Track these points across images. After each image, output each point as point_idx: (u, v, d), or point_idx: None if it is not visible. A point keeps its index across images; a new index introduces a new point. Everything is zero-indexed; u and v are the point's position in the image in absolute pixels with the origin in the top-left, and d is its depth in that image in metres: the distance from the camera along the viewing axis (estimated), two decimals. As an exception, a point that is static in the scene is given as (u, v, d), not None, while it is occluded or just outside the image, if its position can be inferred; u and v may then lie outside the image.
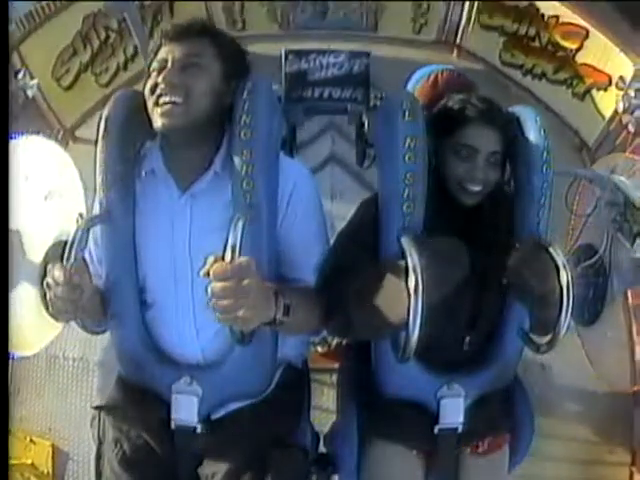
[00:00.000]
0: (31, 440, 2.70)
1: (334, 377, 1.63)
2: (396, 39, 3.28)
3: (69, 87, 2.90)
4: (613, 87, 2.76)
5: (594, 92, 2.91)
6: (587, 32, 2.81)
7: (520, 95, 3.12)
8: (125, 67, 3.07)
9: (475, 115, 1.18)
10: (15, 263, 1.62)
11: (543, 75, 3.11)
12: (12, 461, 2.68)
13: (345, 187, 2.73)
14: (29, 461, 2.70)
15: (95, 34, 2.92)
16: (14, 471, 2.68)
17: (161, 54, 1.12)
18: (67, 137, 2.95)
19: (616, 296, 1.76)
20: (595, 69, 2.87)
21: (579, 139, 3.01)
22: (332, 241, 1.25)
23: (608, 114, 2.81)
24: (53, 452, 2.68)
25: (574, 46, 2.91)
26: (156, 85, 1.09)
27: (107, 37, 2.96)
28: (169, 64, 1.10)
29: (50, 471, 2.68)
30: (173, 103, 1.07)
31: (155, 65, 1.12)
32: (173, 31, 1.13)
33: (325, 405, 1.97)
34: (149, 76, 1.13)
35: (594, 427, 2.61)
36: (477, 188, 1.18)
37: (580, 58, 2.92)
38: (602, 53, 2.81)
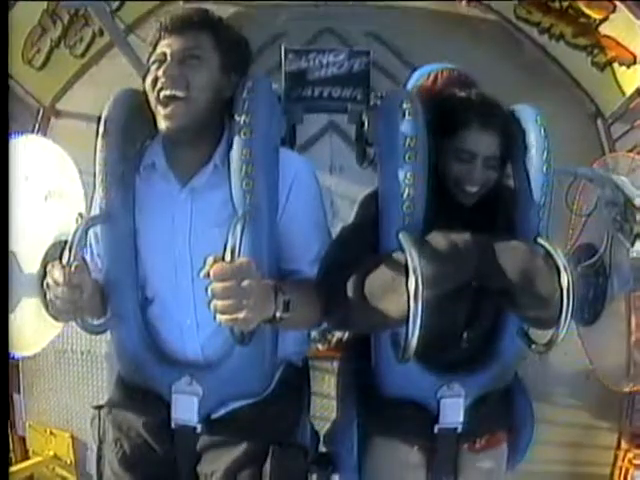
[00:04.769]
0: (51, 432, 2.76)
1: (335, 364, 1.63)
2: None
3: (42, 66, 2.83)
4: (638, 66, 2.66)
5: (616, 66, 2.78)
6: (615, 7, 2.65)
7: (535, 54, 2.94)
8: (101, 33, 2.92)
9: (476, 119, 1.18)
10: (15, 263, 1.62)
11: (561, 37, 2.92)
12: (36, 457, 2.75)
13: (345, 159, 2.59)
14: (51, 453, 2.77)
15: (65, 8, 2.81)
16: (40, 466, 2.73)
17: (160, 48, 1.12)
18: (48, 113, 2.88)
19: (616, 296, 1.76)
20: (619, 44, 2.73)
21: (595, 107, 2.90)
22: (332, 228, 1.25)
23: (629, 91, 2.71)
24: (73, 443, 2.73)
25: (598, 16, 2.72)
26: (157, 79, 1.10)
27: (78, 8, 2.84)
28: (168, 57, 1.10)
29: (72, 461, 2.74)
30: (175, 97, 1.08)
31: (154, 59, 1.12)
32: (171, 24, 1.12)
33: (326, 392, 1.98)
34: (149, 70, 1.13)
35: (584, 413, 2.66)
36: (474, 189, 1.20)
37: (604, 29, 2.75)
38: (628, 31, 2.67)
